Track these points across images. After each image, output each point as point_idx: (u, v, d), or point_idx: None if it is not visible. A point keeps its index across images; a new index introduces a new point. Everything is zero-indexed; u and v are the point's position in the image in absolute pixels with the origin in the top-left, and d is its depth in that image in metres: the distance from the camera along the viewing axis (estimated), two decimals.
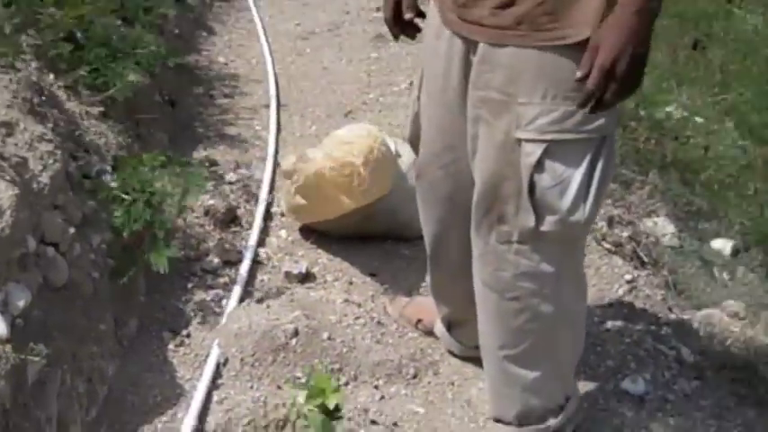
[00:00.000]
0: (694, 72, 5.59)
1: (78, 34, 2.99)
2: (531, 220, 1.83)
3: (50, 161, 2.29)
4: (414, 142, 2.19)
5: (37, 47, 2.80)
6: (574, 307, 2.04)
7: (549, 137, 1.76)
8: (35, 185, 2.17)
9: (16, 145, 2.23)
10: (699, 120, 4.85)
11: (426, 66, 2.03)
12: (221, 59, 4.44)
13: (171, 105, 3.59)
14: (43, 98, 2.54)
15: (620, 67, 1.61)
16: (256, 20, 5.03)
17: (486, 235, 1.91)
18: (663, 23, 6.38)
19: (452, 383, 2.38)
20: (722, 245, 3.71)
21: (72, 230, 2.28)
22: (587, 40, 1.65)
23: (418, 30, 2.09)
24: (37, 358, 1.95)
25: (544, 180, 1.79)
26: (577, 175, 1.79)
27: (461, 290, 2.16)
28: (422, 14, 2.06)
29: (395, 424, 2.23)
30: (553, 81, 1.73)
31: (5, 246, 1.99)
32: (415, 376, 2.39)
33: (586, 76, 1.63)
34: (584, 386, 2.32)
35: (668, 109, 4.83)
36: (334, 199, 2.72)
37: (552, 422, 2.11)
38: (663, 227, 3.64)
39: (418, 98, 2.10)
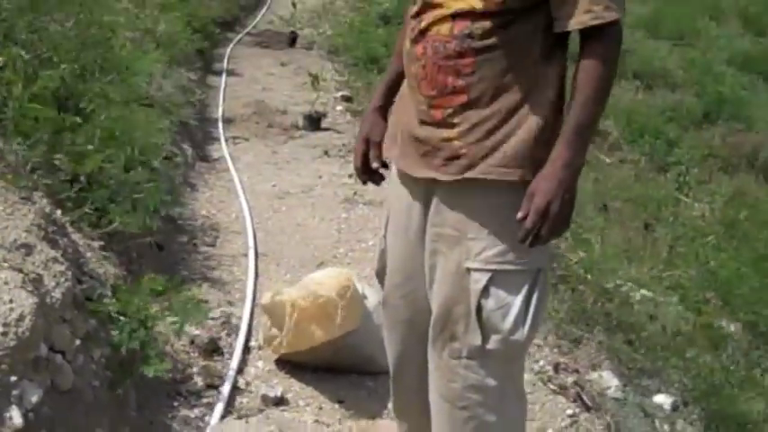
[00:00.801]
0: (643, 251, 6.03)
1: (81, 178, 3.32)
2: (477, 339, 2.16)
3: (62, 280, 2.59)
4: (380, 275, 2.52)
5: (47, 185, 3.13)
6: (515, 419, 2.34)
7: (493, 267, 2.12)
8: (48, 300, 2.46)
9: (33, 264, 2.54)
10: (645, 293, 5.23)
11: (392, 206, 2.40)
12: (204, 212, 4.80)
13: (159, 249, 3.91)
14: (54, 228, 2.86)
15: (553, 209, 2.00)
16: (235, 179, 5.43)
17: (440, 350, 2.23)
18: (616, 206, 6.91)
19: None
20: (663, 399, 4.02)
21: (78, 342, 2.56)
22: (518, 185, 2.05)
23: (383, 178, 2.47)
24: None
25: (489, 304, 2.13)
26: (517, 301, 2.14)
27: (419, 407, 2.45)
28: (386, 165, 2.44)
29: None
30: (495, 220, 2.11)
31: (24, 347, 2.27)
32: None
33: (525, 217, 2.02)
34: None
35: (617, 282, 5.20)
36: (307, 331, 3.02)
37: None
38: (607, 380, 3.94)
39: (384, 236, 2.46)
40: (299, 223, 4.81)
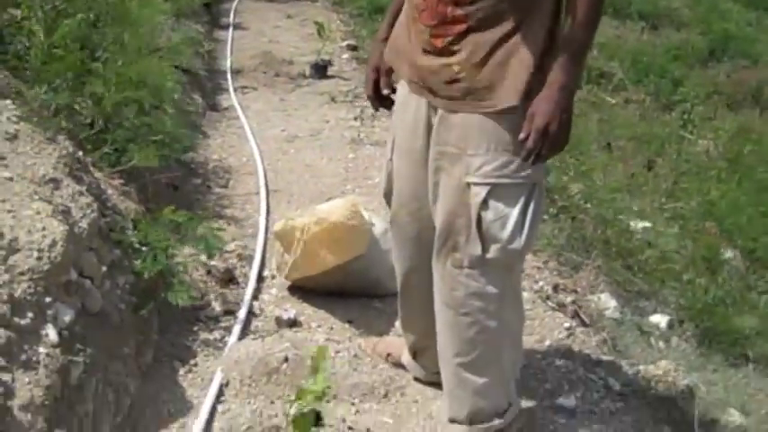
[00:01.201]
0: (645, 186, 6.19)
1: (100, 121, 3.52)
2: (478, 249, 2.35)
3: (88, 211, 2.79)
4: (388, 196, 2.71)
5: (69, 129, 3.32)
6: (513, 325, 2.55)
7: (491, 180, 2.31)
8: (76, 229, 2.67)
9: (61, 197, 2.74)
10: (646, 224, 5.40)
11: (397, 129, 2.58)
12: (215, 157, 4.99)
13: (174, 189, 4.10)
14: (78, 166, 3.06)
15: (552, 128, 2.19)
16: (245, 125, 5.61)
17: (443, 261, 2.43)
18: (620, 145, 7.05)
19: (416, 401, 2.85)
20: (659, 319, 4.22)
21: (104, 269, 2.77)
22: (515, 107, 2.23)
23: (393, 103, 2.65)
24: (80, 359, 2.43)
25: (488, 216, 2.32)
26: (514, 212, 2.33)
27: (425, 320, 2.66)
28: (395, 91, 2.63)
29: (368, 430, 2.68)
30: (493, 138, 2.29)
31: (56, 271, 2.48)
32: (385, 396, 2.86)
33: (527, 138, 2.20)
34: (526, 402, 2.80)
35: (618, 213, 5.37)
36: (317, 255, 3.22)
37: (497, 422, 2.58)
38: (605, 301, 4.13)
39: (391, 159, 2.64)
40: (307, 164, 5.00)
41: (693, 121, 7.75)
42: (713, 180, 6.54)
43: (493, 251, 2.36)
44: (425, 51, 2.35)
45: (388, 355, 3.02)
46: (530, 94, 2.23)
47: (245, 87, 6.87)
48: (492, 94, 2.27)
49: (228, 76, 7.07)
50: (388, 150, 2.66)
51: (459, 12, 2.25)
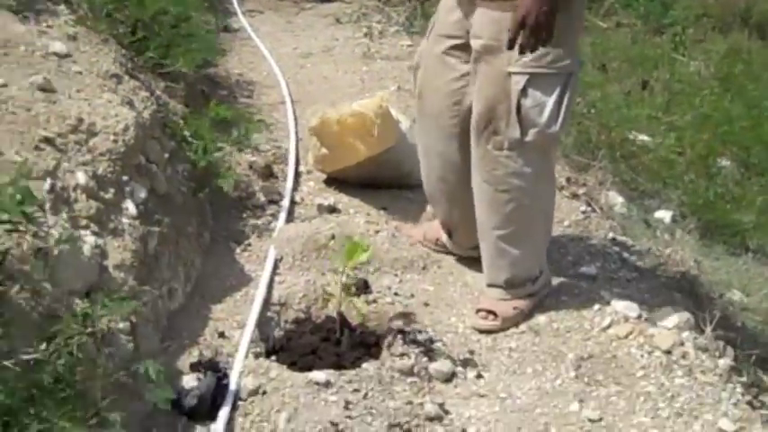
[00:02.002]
0: (641, 102, 6.43)
1: (139, 28, 3.73)
2: (517, 133, 2.64)
3: (148, 104, 3.05)
4: (415, 70, 3.00)
5: (114, 35, 3.53)
6: (546, 202, 2.86)
7: (530, 70, 2.59)
8: (140, 119, 2.91)
9: (124, 90, 2.99)
10: (644, 137, 5.66)
11: (439, 16, 2.84)
12: (236, 71, 5.21)
13: (206, 97, 4.33)
14: (131, 65, 3.29)
15: (529, 21, 2.48)
16: (259, 44, 5.81)
17: (484, 144, 2.71)
18: (614, 66, 7.26)
19: (452, 272, 3.14)
20: (663, 214, 4.50)
21: (166, 156, 3.02)
22: None
23: None
24: (155, 229, 2.69)
25: (527, 102, 2.61)
26: (551, 100, 2.62)
27: (444, 189, 3.03)
28: None
29: (411, 295, 2.96)
30: None
31: (130, 153, 2.74)
32: (424, 268, 3.14)
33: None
34: (553, 271, 3.08)
35: (618, 122, 5.61)
36: (351, 147, 3.48)
37: (530, 287, 2.88)
38: (613, 198, 4.41)
39: (428, 38, 2.90)
40: (324, 75, 5.22)
41: (684, 43, 7.93)
42: (706, 97, 6.75)
43: (531, 135, 2.65)
44: None
45: (425, 237, 3.28)
46: None
47: (252, 11, 7.03)
48: None
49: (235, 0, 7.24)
50: (428, 30, 2.92)
51: None
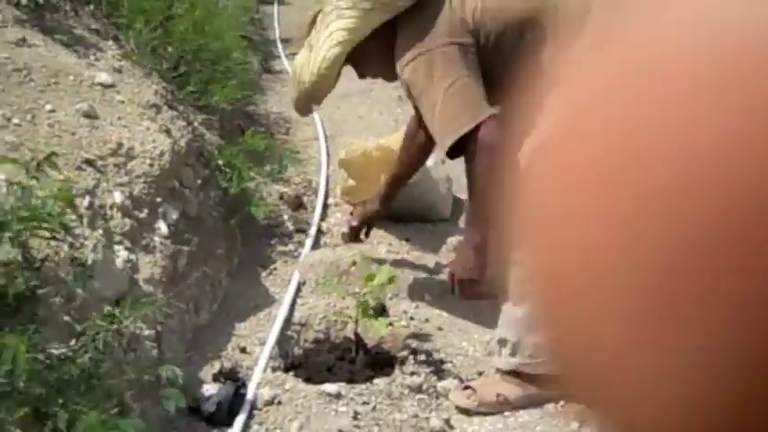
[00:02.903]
0: None
1: (182, 63, 3.96)
2: None
3: (184, 132, 3.24)
4: None
5: (158, 69, 3.76)
6: None
7: None
8: (176, 147, 3.11)
9: (163, 119, 3.19)
10: None
11: None
12: (275, 110, 5.42)
13: (242, 132, 4.53)
14: (171, 97, 3.50)
15: (458, 277, 2.78)
16: None
17: None
18: None
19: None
20: None
21: (198, 182, 3.21)
22: None
23: None
24: (185, 248, 2.87)
25: None
26: None
27: None
28: None
29: (426, 320, 3.11)
30: None
31: (164, 177, 2.93)
32: (440, 296, 3.28)
33: None
34: None
35: None
36: (376, 179, 3.64)
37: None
38: None
39: None
40: (360, 115, 5.42)
41: None
42: None
43: None
44: None
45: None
46: None
47: (294, 53, 7.26)
48: None
49: (278, 43, 7.49)
50: None
51: None
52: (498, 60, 2.67)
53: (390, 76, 2.82)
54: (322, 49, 2.75)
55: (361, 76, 3.13)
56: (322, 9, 2.86)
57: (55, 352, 1.94)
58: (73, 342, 1.94)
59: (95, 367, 1.92)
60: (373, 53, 2.79)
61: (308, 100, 2.94)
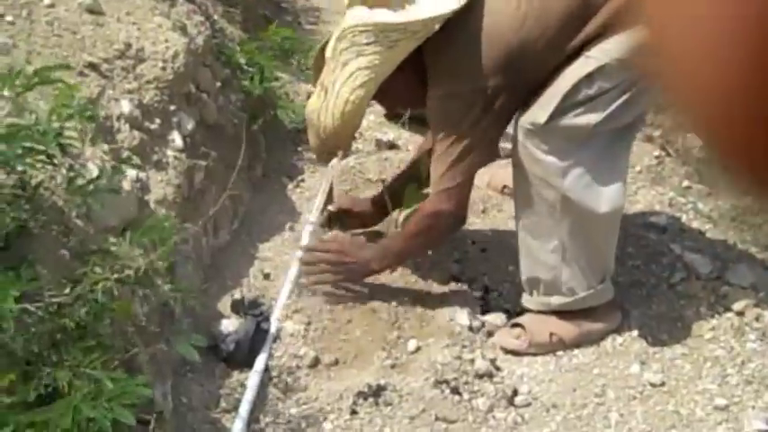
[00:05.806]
0: None
1: None
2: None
3: (202, 29, 2.91)
4: None
5: None
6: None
7: None
8: (192, 45, 2.78)
9: (178, 13, 2.85)
10: None
11: None
12: None
13: (269, 23, 4.19)
14: None
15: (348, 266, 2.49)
16: None
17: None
18: None
19: (513, 217, 2.97)
20: None
21: (218, 85, 2.90)
22: None
23: None
24: (202, 162, 2.58)
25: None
26: None
27: None
28: None
29: (472, 242, 2.83)
30: None
31: (179, 81, 2.61)
32: (483, 211, 2.99)
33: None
34: (621, 220, 2.91)
35: None
36: None
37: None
38: (691, 140, 4.16)
39: None
40: None
41: None
42: None
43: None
44: None
45: (490, 183, 3.12)
46: None
47: None
48: None
49: None
50: None
51: None
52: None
53: (422, 103, 2.41)
54: (342, 93, 2.34)
55: (390, 109, 2.97)
56: (329, 42, 2.46)
57: (52, 300, 1.67)
58: (68, 290, 1.67)
59: (94, 319, 1.66)
60: (399, 85, 2.37)
61: (333, 147, 2.57)
